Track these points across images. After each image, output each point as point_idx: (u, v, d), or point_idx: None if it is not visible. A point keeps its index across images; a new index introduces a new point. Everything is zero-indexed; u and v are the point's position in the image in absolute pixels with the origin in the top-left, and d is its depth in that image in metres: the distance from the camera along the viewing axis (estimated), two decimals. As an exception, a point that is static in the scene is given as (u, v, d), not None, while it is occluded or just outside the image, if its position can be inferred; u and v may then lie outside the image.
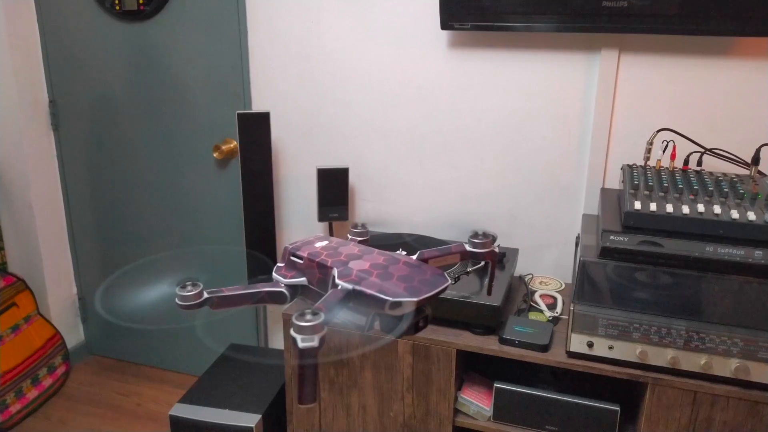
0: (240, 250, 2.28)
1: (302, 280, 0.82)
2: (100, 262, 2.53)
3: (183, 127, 2.22)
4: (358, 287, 0.74)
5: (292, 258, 0.83)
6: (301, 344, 0.63)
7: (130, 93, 2.25)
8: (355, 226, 0.98)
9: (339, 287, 0.75)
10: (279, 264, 0.85)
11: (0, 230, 2.40)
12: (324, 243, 0.85)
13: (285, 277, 0.83)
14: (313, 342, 0.63)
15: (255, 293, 0.80)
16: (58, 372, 2.43)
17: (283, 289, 0.81)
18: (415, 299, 0.72)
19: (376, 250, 0.84)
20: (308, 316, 0.64)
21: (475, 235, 0.93)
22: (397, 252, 0.85)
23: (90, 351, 2.69)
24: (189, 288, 0.77)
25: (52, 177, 2.44)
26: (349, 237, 0.98)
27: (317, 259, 0.80)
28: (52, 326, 2.42)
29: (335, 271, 0.77)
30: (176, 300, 0.77)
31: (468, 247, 0.92)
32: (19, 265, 2.48)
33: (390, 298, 0.71)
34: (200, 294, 0.76)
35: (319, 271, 0.80)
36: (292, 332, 0.64)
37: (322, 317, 0.64)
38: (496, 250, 1.00)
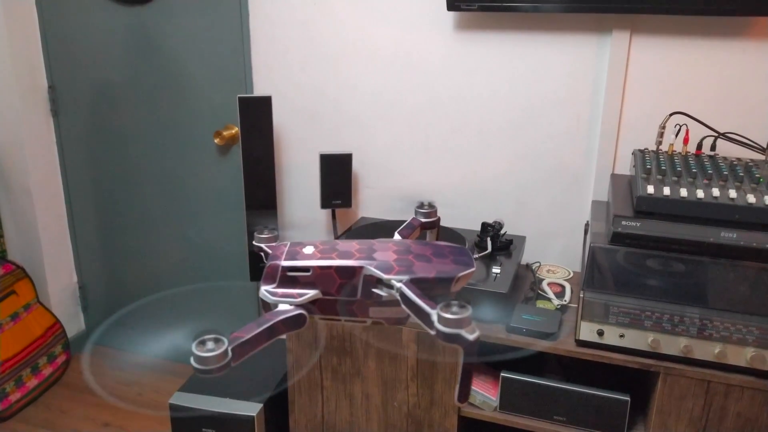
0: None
1: (315, 293, 0.73)
2: (100, 249, 2.50)
3: (183, 112, 2.18)
4: (417, 275, 0.71)
5: (291, 274, 0.72)
6: (470, 336, 0.60)
7: (130, 78, 2.21)
8: (261, 231, 0.88)
9: (397, 281, 0.70)
10: (268, 288, 0.72)
11: (-1, 218, 2.38)
12: (311, 248, 0.76)
13: (291, 297, 0.71)
14: (477, 332, 0.60)
15: (271, 327, 0.68)
16: (59, 361, 2.41)
17: (301, 311, 0.71)
18: (473, 269, 0.73)
19: (374, 241, 0.79)
20: (455, 309, 0.61)
21: (421, 205, 0.95)
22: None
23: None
24: (210, 345, 0.61)
25: (51, 163, 2.41)
26: (264, 245, 0.88)
27: (335, 264, 0.72)
28: (52, 315, 2.39)
29: (373, 270, 0.72)
30: (193, 362, 0.60)
31: (420, 218, 0.95)
32: (18, 253, 2.45)
33: (455, 275, 0.71)
34: (225, 353, 0.61)
35: (339, 277, 0.72)
36: (449, 329, 0.60)
37: (470, 309, 0.61)
38: (439, 216, 0.99)
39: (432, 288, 0.72)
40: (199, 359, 0.60)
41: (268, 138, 1.89)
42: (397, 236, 0.88)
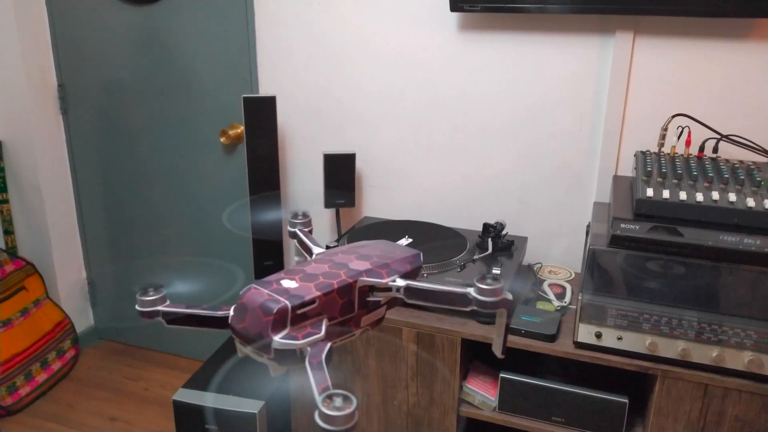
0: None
1: (325, 321, 0.71)
2: (109, 246, 2.53)
3: (190, 111, 2.20)
4: (402, 272, 0.77)
5: (300, 311, 0.69)
6: (511, 296, 0.69)
7: (138, 77, 2.23)
8: (146, 293, 0.78)
9: (392, 282, 0.74)
10: (282, 335, 0.67)
11: (10, 214, 2.41)
12: (290, 280, 0.73)
13: (310, 335, 0.68)
14: (510, 294, 0.70)
15: (325, 376, 0.64)
16: (67, 356, 2.45)
17: (329, 343, 0.69)
18: (420, 252, 0.83)
19: (331, 257, 0.79)
20: (489, 280, 0.69)
21: (295, 216, 0.95)
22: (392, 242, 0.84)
23: (99, 335, 2.70)
24: (338, 403, 0.58)
25: (61, 161, 2.44)
26: (160, 307, 0.79)
27: (336, 287, 0.72)
28: (61, 310, 2.43)
29: (368, 280, 0.74)
30: (318, 419, 0.57)
31: (305, 228, 0.97)
32: (28, 249, 2.49)
33: (421, 262, 0.81)
34: (353, 414, 0.59)
35: (340, 297, 0.72)
36: (492, 298, 0.67)
37: (501, 281, 0.69)
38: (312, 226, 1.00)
39: (412, 277, 0.77)
40: (327, 418, 0.57)
41: (272, 137, 1.91)
42: (317, 249, 0.88)
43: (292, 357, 0.67)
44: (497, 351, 0.75)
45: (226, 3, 2.02)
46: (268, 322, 0.66)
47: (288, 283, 0.71)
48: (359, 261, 0.77)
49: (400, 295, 0.75)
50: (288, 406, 1.87)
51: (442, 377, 1.53)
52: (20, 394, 2.22)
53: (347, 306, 0.73)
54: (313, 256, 0.84)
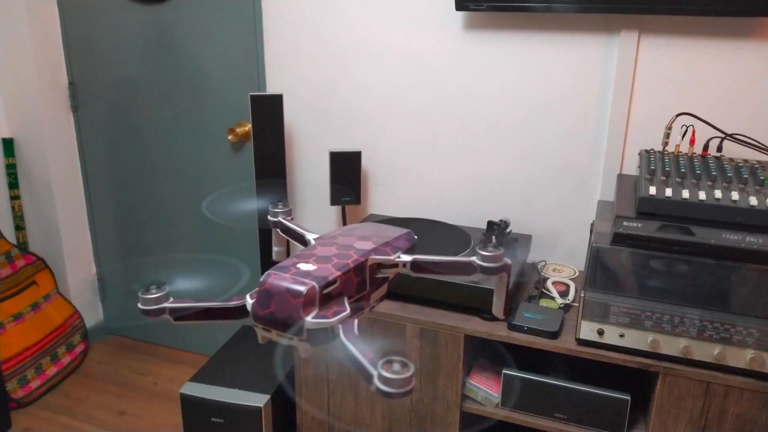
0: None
1: (344, 298, 0.72)
2: (118, 242, 2.56)
3: (199, 109, 2.22)
4: (404, 248, 0.82)
5: (325, 292, 0.69)
6: (510, 261, 0.75)
7: (148, 75, 2.26)
8: (148, 290, 0.76)
9: (401, 257, 0.79)
10: (313, 315, 0.67)
11: (21, 210, 2.44)
12: (306, 264, 0.73)
13: (338, 313, 0.69)
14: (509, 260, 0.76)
15: (367, 348, 0.66)
16: (77, 350, 2.48)
17: (356, 322, 0.70)
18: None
19: (334, 240, 0.81)
20: (491, 248, 0.74)
21: (275, 205, 0.95)
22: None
23: (108, 330, 2.73)
24: (396, 367, 0.60)
25: (71, 158, 2.47)
26: (165, 304, 0.77)
27: (351, 267, 0.73)
28: (71, 305, 2.46)
29: (377, 258, 0.77)
30: (378, 383, 0.60)
31: (288, 217, 0.97)
32: (38, 245, 2.52)
33: (416, 240, 0.86)
34: (410, 379, 0.61)
35: (356, 276, 0.74)
36: (495, 264, 0.73)
37: (501, 248, 0.75)
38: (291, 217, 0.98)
39: (412, 253, 0.82)
40: (387, 381, 0.59)
41: (279, 135, 1.93)
42: (310, 234, 0.89)
43: (324, 336, 0.68)
44: (498, 313, 0.82)
45: (234, 2, 2.04)
46: (299, 304, 0.67)
47: (305, 266, 0.72)
48: (362, 241, 0.79)
49: (407, 270, 0.78)
50: (293, 401, 1.89)
51: (446, 373, 1.54)
52: (31, 387, 2.26)
53: (361, 284, 0.75)
54: (311, 241, 0.85)
